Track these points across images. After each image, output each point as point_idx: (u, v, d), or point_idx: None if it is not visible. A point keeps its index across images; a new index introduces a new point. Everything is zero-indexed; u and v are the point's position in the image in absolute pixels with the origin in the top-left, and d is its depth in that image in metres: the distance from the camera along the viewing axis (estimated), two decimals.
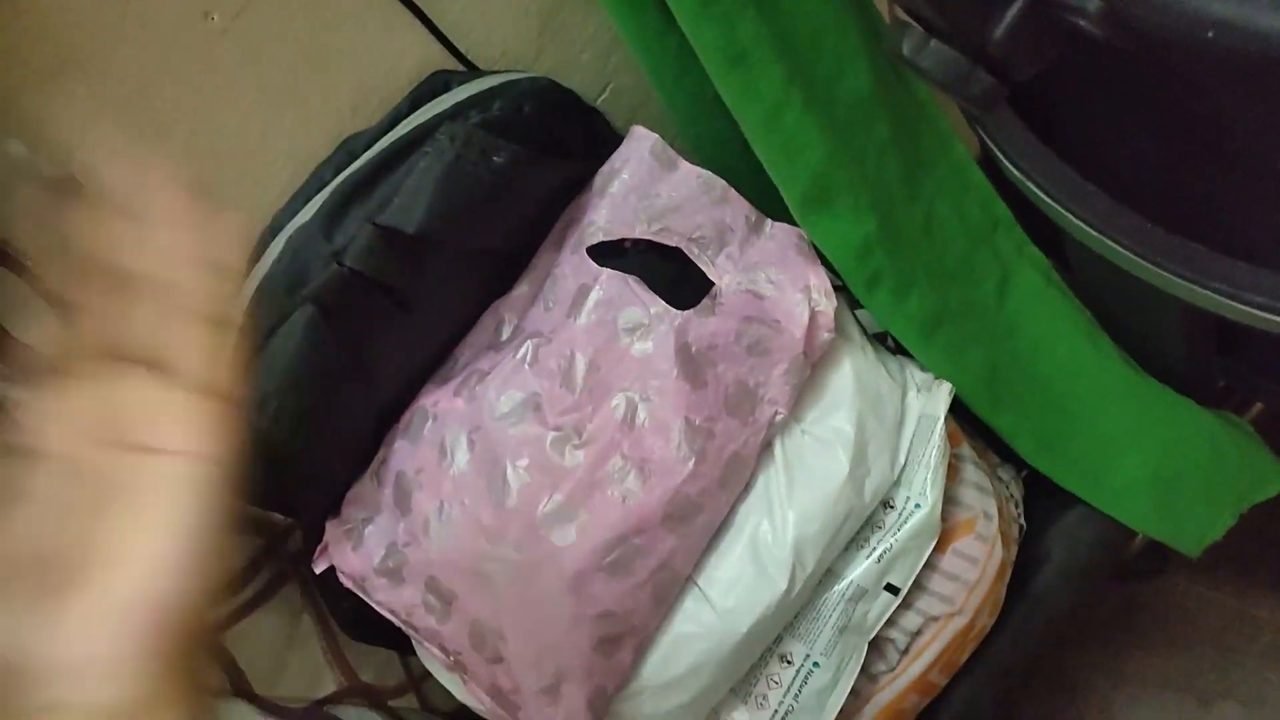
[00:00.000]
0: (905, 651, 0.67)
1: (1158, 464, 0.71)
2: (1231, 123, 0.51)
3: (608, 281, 0.61)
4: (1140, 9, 0.34)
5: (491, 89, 0.63)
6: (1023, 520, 0.74)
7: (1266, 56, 0.31)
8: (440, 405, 0.62)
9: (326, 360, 0.55)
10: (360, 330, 0.56)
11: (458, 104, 0.61)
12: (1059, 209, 0.66)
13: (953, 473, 0.66)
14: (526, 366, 0.60)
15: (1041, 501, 0.75)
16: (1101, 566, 0.75)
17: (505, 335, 0.64)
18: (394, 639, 0.66)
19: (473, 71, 0.66)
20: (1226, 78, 0.43)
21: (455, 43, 0.66)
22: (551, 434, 0.59)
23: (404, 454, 0.62)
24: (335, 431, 0.58)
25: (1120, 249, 0.63)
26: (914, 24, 0.40)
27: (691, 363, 0.59)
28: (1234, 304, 0.57)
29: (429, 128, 0.60)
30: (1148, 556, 0.93)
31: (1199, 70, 0.45)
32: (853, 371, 0.64)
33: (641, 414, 0.59)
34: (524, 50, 0.71)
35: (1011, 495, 0.74)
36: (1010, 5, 0.37)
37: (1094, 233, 0.65)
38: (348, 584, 0.63)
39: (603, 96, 0.79)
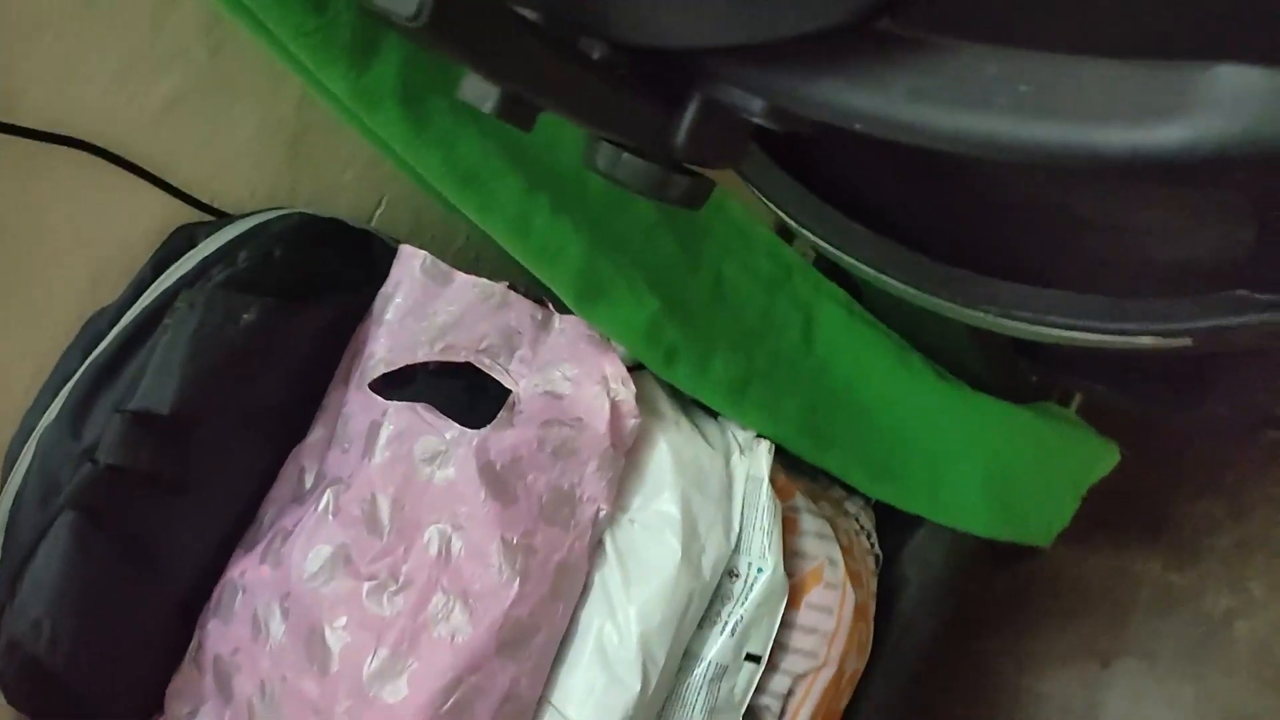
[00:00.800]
0: (781, 715, 0.66)
1: (987, 469, 0.73)
2: (967, 165, 0.53)
3: (396, 415, 0.59)
4: (799, 108, 0.34)
5: (239, 237, 0.60)
6: (877, 549, 0.75)
7: (913, 141, 0.31)
8: (248, 575, 0.59)
9: (100, 567, 0.51)
10: (134, 525, 0.53)
11: (203, 261, 0.59)
12: (833, 251, 0.67)
13: (790, 526, 0.66)
14: (330, 517, 0.57)
15: (892, 525, 0.76)
16: (957, 578, 0.76)
17: (308, 485, 0.62)
18: None
19: (220, 220, 0.64)
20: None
21: (195, 194, 0.63)
22: (366, 584, 0.56)
23: (218, 635, 0.58)
24: (128, 636, 0.54)
25: (896, 283, 0.65)
26: (604, 139, 0.39)
27: (497, 480, 0.58)
28: (1004, 321, 0.58)
29: (171, 294, 0.57)
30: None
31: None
32: (669, 450, 0.63)
33: (456, 544, 0.57)
34: (277, 185, 0.68)
35: (862, 527, 0.75)
36: (684, 114, 0.37)
37: (870, 270, 0.66)
38: None
39: (379, 211, 0.77)
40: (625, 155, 0.39)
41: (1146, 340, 0.54)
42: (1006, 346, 0.74)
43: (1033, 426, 0.75)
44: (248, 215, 0.63)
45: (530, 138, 0.55)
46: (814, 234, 0.67)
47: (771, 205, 0.67)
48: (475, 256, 0.81)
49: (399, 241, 0.71)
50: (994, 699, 1.12)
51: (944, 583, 0.75)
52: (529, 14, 0.33)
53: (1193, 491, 1.15)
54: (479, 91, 0.33)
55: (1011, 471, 0.74)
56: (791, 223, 0.67)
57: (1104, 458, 0.79)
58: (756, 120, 0.36)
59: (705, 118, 0.37)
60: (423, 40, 0.29)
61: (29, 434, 0.54)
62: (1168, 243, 0.48)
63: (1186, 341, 0.53)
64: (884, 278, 0.64)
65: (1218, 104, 0.25)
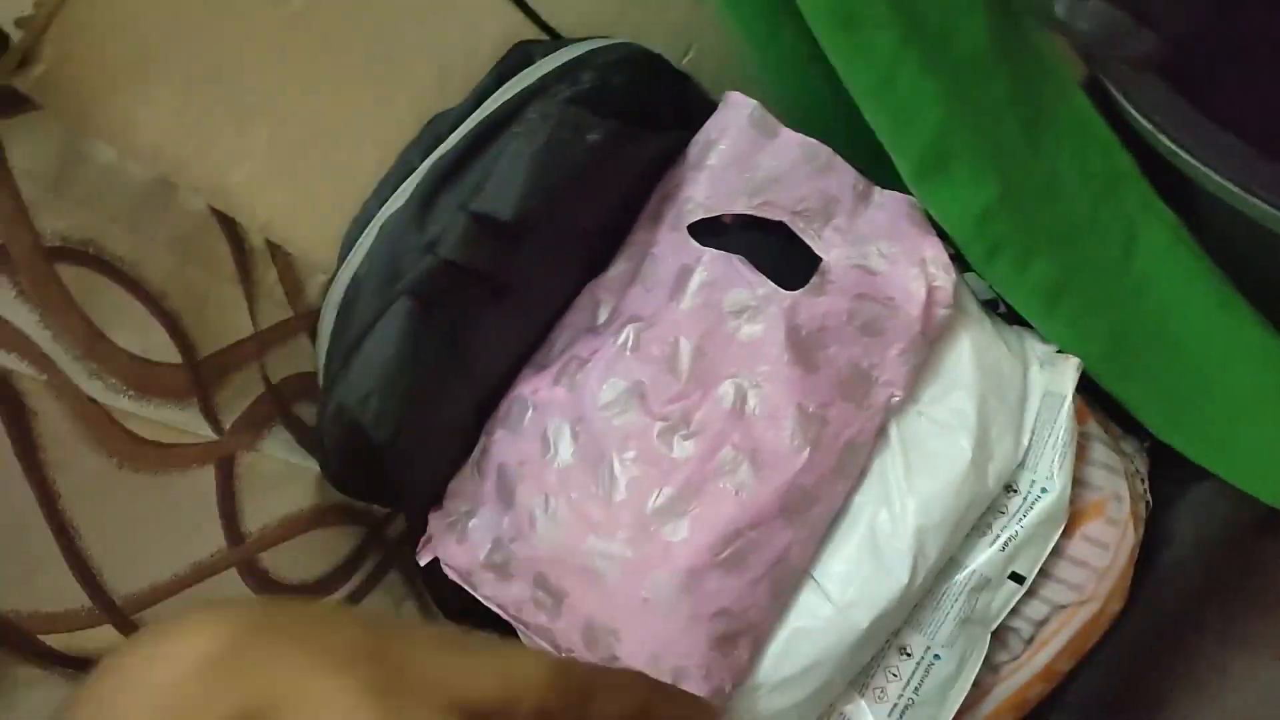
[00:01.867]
0: (1030, 641, 0.63)
1: None
2: None
3: (711, 262, 0.58)
4: None
5: (577, 59, 0.60)
6: (1149, 496, 0.70)
7: None
8: (540, 394, 0.60)
9: (426, 354, 0.53)
10: (458, 321, 0.54)
11: (543, 77, 0.58)
12: (1191, 160, 0.61)
13: (1081, 453, 0.62)
14: (629, 353, 0.57)
15: (1169, 472, 0.71)
16: (1236, 545, 0.70)
17: (603, 318, 0.62)
18: (501, 628, 0.65)
19: (555, 41, 0.63)
20: None
21: (535, 9, 0.62)
22: (658, 424, 0.56)
23: (505, 445, 0.60)
24: (436, 425, 0.56)
25: (1262, 204, 0.58)
26: None
27: (802, 346, 0.56)
28: None
29: (516, 104, 0.57)
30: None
31: None
32: (971, 348, 0.60)
33: (752, 402, 0.56)
34: (605, 14, 0.67)
35: (1137, 470, 0.70)
36: None
37: (1232, 186, 0.60)
38: (453, 577, 0.61)
39: (687, 58, 0.74)
40: (1093, 1, 0.35)
41: None
42: None
43: None
44: (582, 40, 0.62)
45: None
46: (1174, 141, 0.60)
47: (1130, 107, 0.61)
48: None
49: (708, 90, 0.69)
50: (1224, 685, 1.06)
51: (1218, 545, 0.69)
52: None
53: None
54: None
55: None
56: (1149, 125, 0.61)
57: None
58: None
59: None
60: None
61: (368, 220, 0.56)
62: None
63: None
64: (1250, 198, 0.58)
65: None
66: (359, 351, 0.52)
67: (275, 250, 0.57)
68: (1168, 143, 0.60)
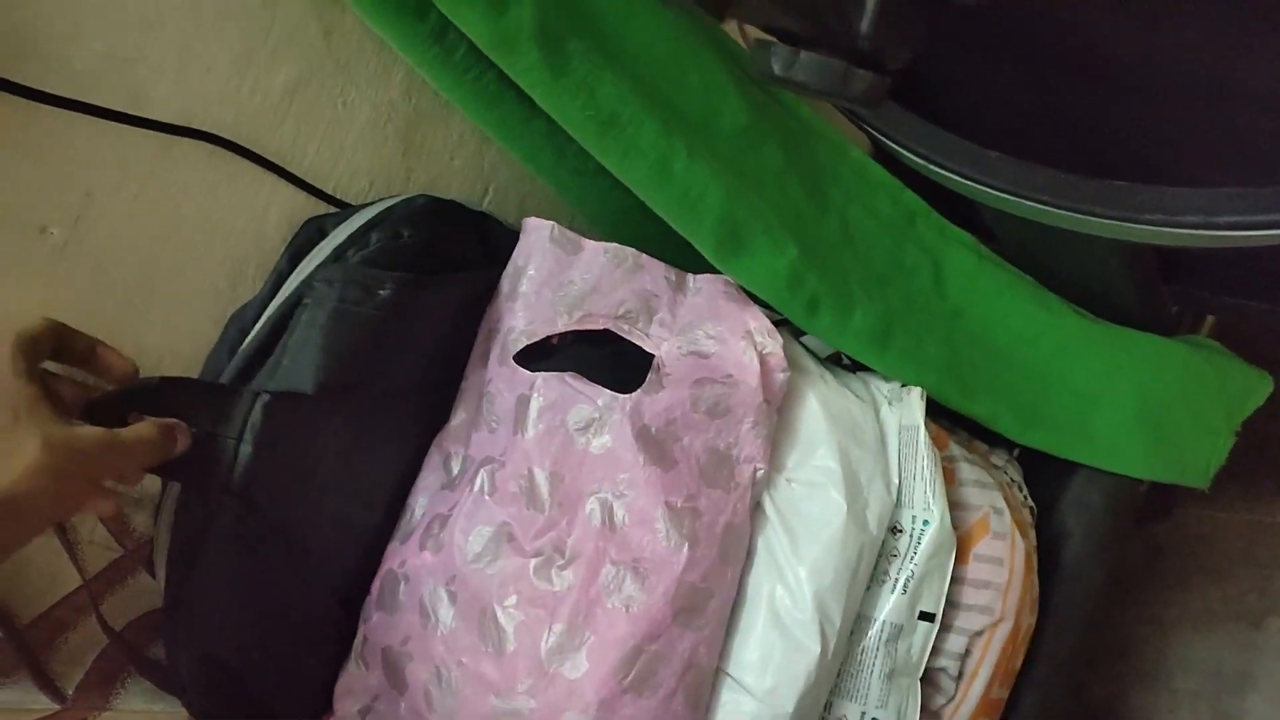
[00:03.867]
0: (959, 677, 0.62)
1: (1139, 406, 0.69)
2: (1109, 49, 0.50)
3: (545, 386, 0.57)
4: None
5: (368, 222, 0.60)
6: (1030, 501, 0.71)
7: None
8: (409, 564, 0.57)
9: (258, 559, 0.50)
10: (287, 513, 0.51)
11: (337, 248, 0.58)
12: (968, 183, 0.64)
13: (949, 476, 0.63)
14: (487, 497, 0.55)
15: (1042, 476, 0.73)
16: (1123, 524, 0.72)
17: (456, 470, 0.60)
18: None
19: (346, 210, 0.63)
20: (1107, 15, 0.41)
21: (319, 185, 0.62)
22: (533, 561, 0.54)
23: (384, 627, 0.57)
24: (291, 629, 0.53)
25: (1042, 206, 0.62)
26: (776, 41, 0.37)
27: (655, 444, 0.56)
28: (1171, 230, 0.55)
29: (313, 278, 0.56)
30: (1155, 497, 0.91)
31: (1069, 8, 0.44)
32: (820, 404, 0.61)
33: (619, 513, 0.54)
34: (393, 174, 0.68)
35: (1013, 479, 0.71)
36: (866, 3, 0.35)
37: (1010, 197, 0.63)
38: None
39: (487, 198, 0.76)
40: (804, 53, 0.37)
41: None
42: (1153, 273, 0.71)
43: (1183, 358, 0.72)
44: (373, 203, 0.63)
45: (660, 80, 0.54)
46: (946, 169, 0.64)
47: (899, 148, 0.65)
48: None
49: (511, 223, 0.70)
50: (1140, 666, 1.07)
51: (1108, 530, 0.71)
52: None
53: None
54: None
55: (1165, 407, 0.71)
56: (920, 160, 0.65)
57: (1258, 387, 0.75)
58: None
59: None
60: None
61: None
62: None
63: None
64: (1027, 202, 0.62)
65: None
66: (192, 582, 0.48)
67: None
68: (941, 171, 0.64)
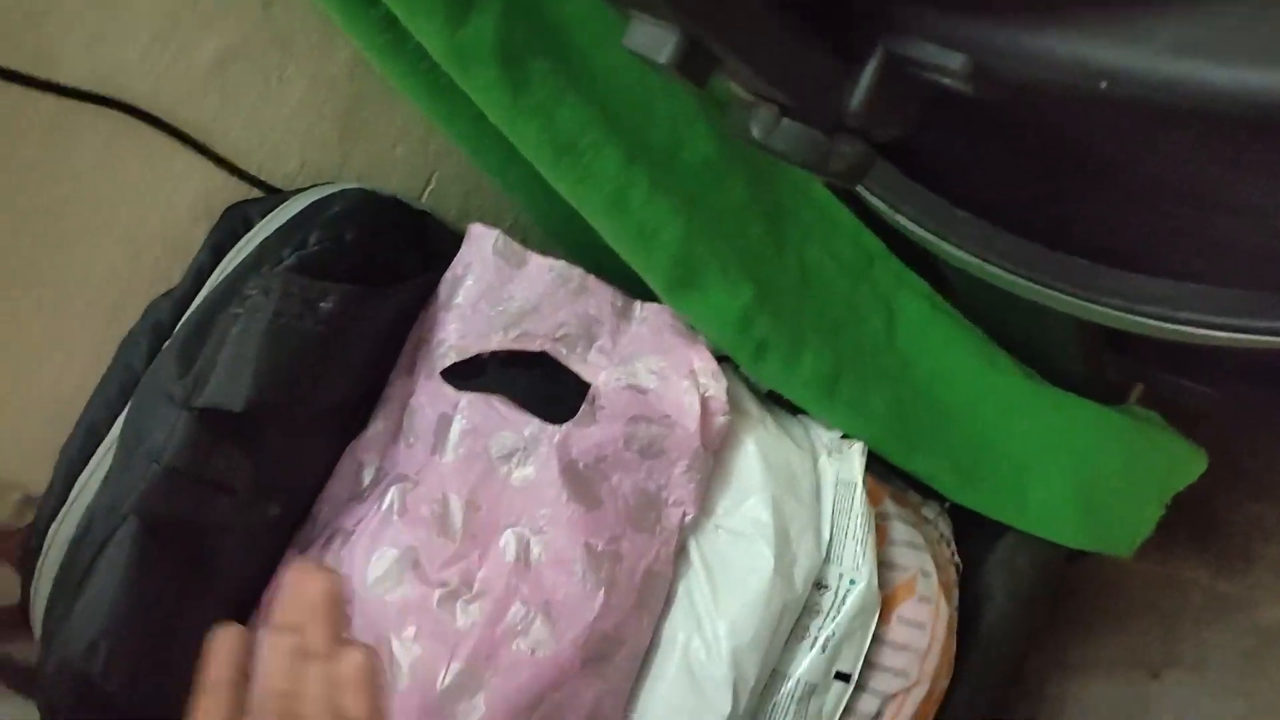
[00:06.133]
0: None
1: (1075, 474, 0.69)
2: (1098, 143, 0.48)
3: (470, 407, 0.54)
4: (1013, 65, 0.30)
5: (301, 214, 0.55)
6: (957, 559, 0.70)
7: (1169, 101, 0.27)
8: None
9: (161, 581, 0.46)
10: (197, 534, 0.48)
11: (264, 243, 0.53)
12: (933, 239, 0.62)
13: (881, 535, 0.61)
14: (396, 517, 0.52)
15: (972, 532, 0.72)
16: (1045, 589, 0.72)
17: (367, 481, 0.57)
18: None
19: (273, 196, 0.58)
20: (1100, 115, 0.39)
21: (242, 164, 0.57)
22: (437, 592, 0.51)
23: None
24: (183, 660, 0.49)
25: (1003, 273, 0.60)
26: (760, 102, 0.35)
27: (581, 481, 0.53)
28: (1130, 317, 0.54)
29: (237, 279, 0.52)
30: None
31: (1069, 110, 0.42)
32: (758, 450, 0.59)
33: (536, 550, 0.52)
34: (327, 158, 0.63)
35: (942, 535, 0.70)
36: (863, 70, 0.32)
37: (973, 259, 0.62)
38: None
39: (429, 188, 0.71)
40: (785, 120, 0.34)
41: None
42: (1101, 343, 0.70)
43: (1122, 430, 0.71)
44: (303, 191, 0.58)
45: (626, 106, 0.50)
46: (912, 220, 0.62)
47: (869, 194, 0.63)
48: (523, 240, 0.76)
49: (452, 223, 0.66)
50: (1040, 709, 1.08)
51: (1031, 596, 0.70)
52: None
53: (1242, 496, 1.10)
54: (652, 39, 0.28)
55: (1101, 479, 0.70)
56: (885, 207, 0.62)
57: (1191, 465, 0.75)
58: (949, 81, 0.31)
59: (887, 76, 0.32)
60: None
61: (97, 439, 0.49)
62: None
63: None
64: (990, 267, 0.60)
65: None
66: (82, 593, 0.45)
67: None
68: (907, 224, 0.62)
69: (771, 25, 0.30)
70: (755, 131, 0.34)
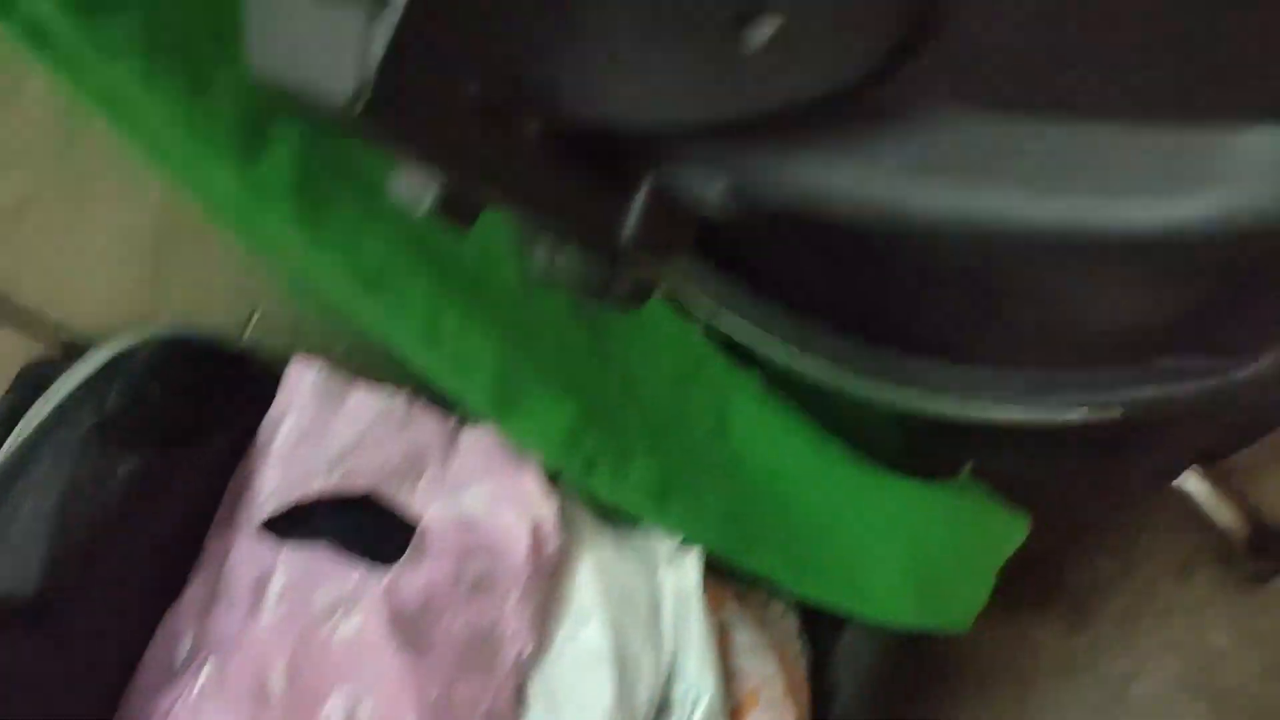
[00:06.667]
0: None
1: (909, 559, 0.71)
2: (877, 240, 0.51)
3: (289, 562, 0.52)
4: (768, 191, 0.31)
5: (101, 371, 0.52)
6: (808, 648, 0.71)
7: (905, 223, 0.29)
8: None
9: None
10: None
11: (61, 404, 0.50)
12: (756, 339, 0.65)
13: (724, 642, 0.62)
14: (211, 696, 0.49)
15: (819, 622, 0.73)
16: (895, 670, 0.73)
17: (183, 654, 0.53)
18: None
19: (73, 350, 0.55)
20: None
21: (44, 313, 0.54)
22: None
23: None
24: None
25: (816, 367, 0.63)
26: (541, 235, 0.36)
27: (410, 628, 0.51)
28: (929, 403, 0.57)
29: (32, 446, 0.48)
30: None
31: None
32: (594, 571, 0.58)
33: (364, 713, 0.49)
34: (137, 300, 0.60)
35: (788, 632, 0.71)
36: (632, 201, 0.34)
37: (785, 356, 0.64)
38: None
39: (253, 323, 0.69)
40: (564, 253, 0.35)
41: (1076, 415, 0.53)
42: (925, 424, 0.73)
43: (949, 504, 0.74)
44: (105, 344, 0.55)
45: (434, 230, 0.51)
46: (730, 318, 0.64)
47: (680, 295, 0.65)
48: (356, 370, 0.75)
49: (280, 356, 0.64)
50: None
51: (876, 684, 0.72)
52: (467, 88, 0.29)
53: (1081, 552, 1.16)
54: (414, 188, 0.29)
55: (932, 559, 0.73)
56: (704, 307, 0.64)
57: (1013, 532, 0.79)
58: (710, 206, 0.33)
59: (655, 207, 0.34)
60: (357, 129, 0.25)
61: None
62: (1103, 310, 0.47)
63: (1117, 413, 0.52)
64: (805, 361, 0.62)
65: (1256, 171, 0.23)
66: None
67: None
68: (710, 310, 0.63)
69: (536, 164, 0.31)
70: (538, 267, 0.35)
